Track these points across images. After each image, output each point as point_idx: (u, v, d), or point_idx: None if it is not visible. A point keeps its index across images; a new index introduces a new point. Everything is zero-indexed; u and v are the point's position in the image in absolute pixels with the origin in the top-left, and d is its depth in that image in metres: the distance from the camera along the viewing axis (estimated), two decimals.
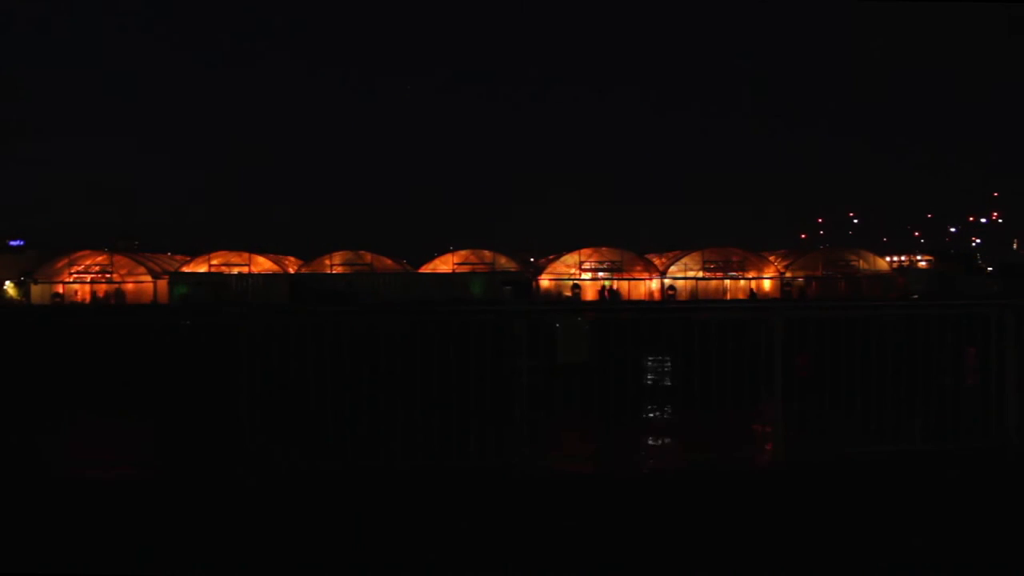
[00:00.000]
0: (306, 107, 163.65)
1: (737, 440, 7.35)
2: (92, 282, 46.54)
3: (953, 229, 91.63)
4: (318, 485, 6.50)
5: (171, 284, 46.49)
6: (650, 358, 7.92)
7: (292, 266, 50.96)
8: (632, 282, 48.09)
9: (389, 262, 50.43)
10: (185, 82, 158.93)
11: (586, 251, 49.21)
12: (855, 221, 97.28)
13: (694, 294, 47.42)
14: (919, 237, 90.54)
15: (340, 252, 50.20)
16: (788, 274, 49.19)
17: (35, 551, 5.10)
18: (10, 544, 5.21)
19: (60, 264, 47.38)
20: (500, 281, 46.92)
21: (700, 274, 48.45)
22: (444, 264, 51.04)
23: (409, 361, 7.03)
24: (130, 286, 46.81)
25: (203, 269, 48.62)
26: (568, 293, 47.28)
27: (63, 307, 39.88)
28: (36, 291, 45.96)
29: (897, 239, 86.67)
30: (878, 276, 48.97)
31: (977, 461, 7.06)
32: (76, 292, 45.94)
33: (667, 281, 48.13)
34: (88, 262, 47.41)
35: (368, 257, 49.92)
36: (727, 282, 48.24)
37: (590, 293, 46.98)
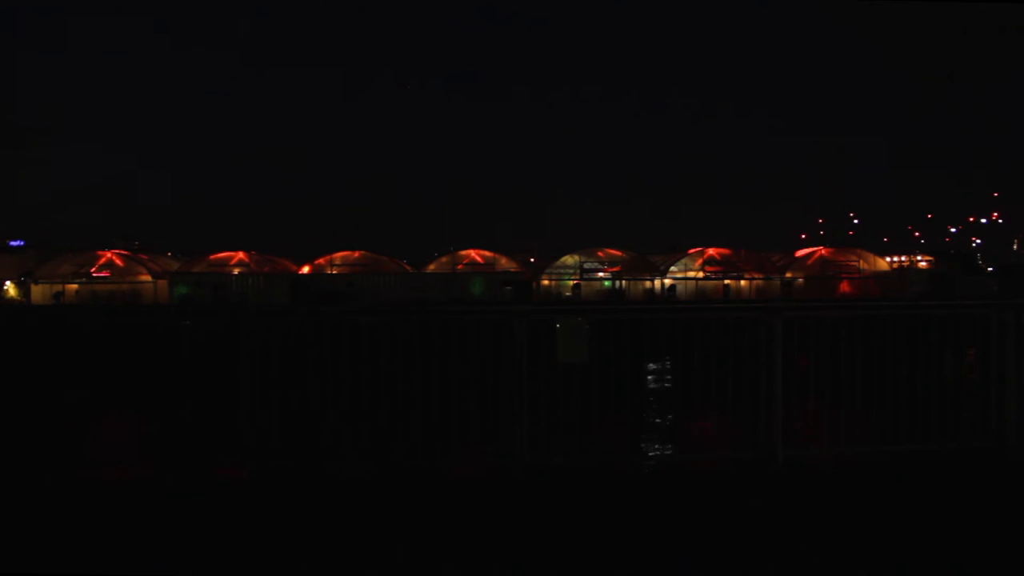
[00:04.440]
0: (307, 107, 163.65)
1: (737, 440, 7.35)
2: (92, 282, 46.54)
3: (953, 229, 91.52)
4: (317, 484, 6.51)
5: (171, 284, 46.51)
6: (650, 358, 7.92)
7: (292, 266, 50.96)
8: (632, 282, 48.10)
9: (390, 262, 50.44)
10: (186, 82, 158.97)
11: (586, 251, 49.24)
12: (855, 221, 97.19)
13: (694, 294, 47.43)
14: (919, 237, 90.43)
15: (341, 252, 50.23)
16: (788, 274, 49.20)
17: (36, 551, 5.11)
18: (11, 544, 5.21)
19: (60, 264, 47.38)
20: (500, 281, 46.94)
21: (700, 274, 48.46)
22: (444, 264, 51.06)
23: (409, 361, 7.04)
24: (130, 286, 46.81)
25: (203, 269, 48.62)
26: (568, 293, 47.30)
27: (68, 307, 39.90)
28: (36, 291, 45.97)
29: (897, 239, 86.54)
30: (878, 276, 48.98)
31: (977, 461, 7.07)
32: (76, 292, 45.96)
33: (667, 281, 48.14)
34: (88, 262, 47.42)
35: (369, 257, 49.93)
36: (727, 282, 48.24)
37: (590, 293, 46.99)
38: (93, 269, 47.15)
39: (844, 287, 47.85)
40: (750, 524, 5.60)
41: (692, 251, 49.94)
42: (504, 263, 50.90)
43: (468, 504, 6.07)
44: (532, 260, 56.20)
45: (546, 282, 48.24)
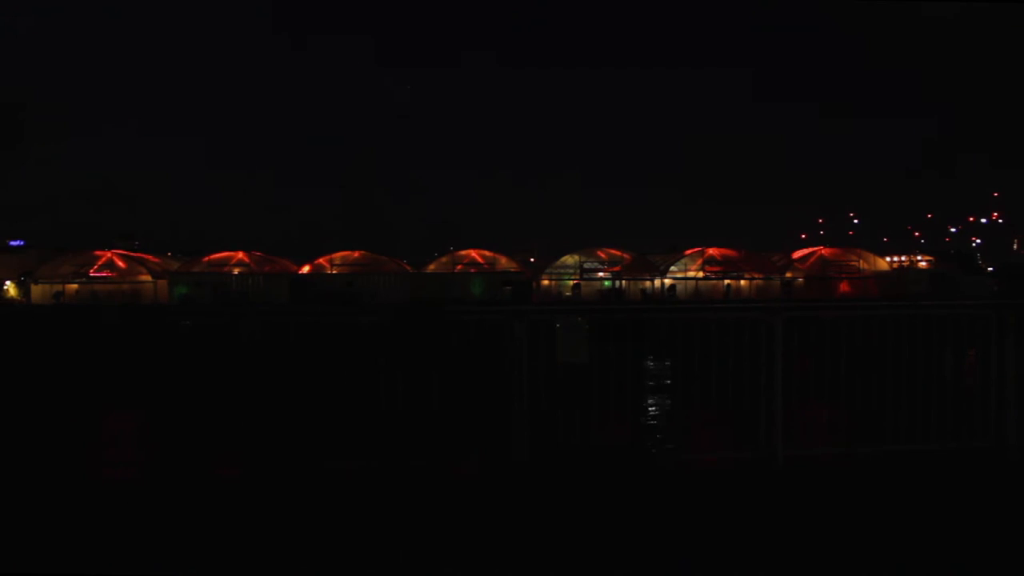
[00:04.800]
0: (305, 106, 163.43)
1: (737, 440, 7.36)
2: (92, 282, 46.54)
3: (953, 229, 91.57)
4: (318, 485, 6.51)
5: (171, 284, 46.51)
6: (650, 358, 7.94)
7: (292, 266, 50.96)
8: (632, 282, 48.08)
9: (390, 262, 50.45)
10: (184, 80, 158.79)
11: (586, 251, 49.25)
12: (855, 221, 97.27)
13: (694, 294, 47.42)
14: (919, 237, 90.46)
15: (341, 252, 50.23)
16: (788, 274, 49.19)
17: (36, 551, 5.11)
18: (11, 544, 5.21)
19: (60, 264, 47.39)
20: (500, 281, 46.91)
21: (700, 274, 48.45)
22: (444, 264, 51.08)
23: (409, 361, 7.04)
24: (130, 286, 46.82)
25: (203, 269, 48.63)
26: (568, 293, 47.30)
27: (72, 308, 39.85)
28: (36, 291, 45.96)
29: (897, 239, 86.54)
30: (878, 276, 48.98)
31: (977, 461, 7.07)
32: (76, 292, 45.97)
33: (667, 281, 48.14)
34: (88, 262, 47.43)
35: (369, 257, 49.93)
36: (727, 282, 48.22)
37: (590, 293, 46.99)
38: (93, 269, 47.16)
39: (844, 287, 47.83)
40: (750, 524, 5.60)
41: (692, 251, 49.91)
42: (504, 263, 50.91)
43: (468, 504, 6.08)
44: (532, 260, 56.20)
45: (546, 282, 48.23)
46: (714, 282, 48.19)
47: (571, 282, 47.91)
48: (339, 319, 7.37)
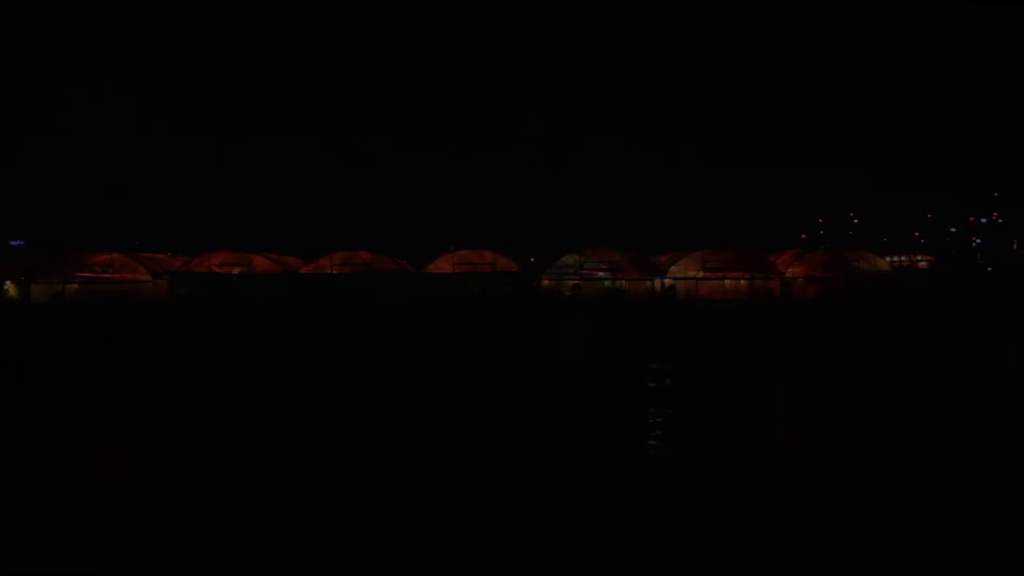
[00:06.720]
0: (303, 104, 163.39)
1: (736, 438, 7.37)
2: (92, 282, 46.57)
3: (953, 229, 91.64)
4: (323, 482, 6.53)
5: (171, 284, 46.55)
6: (651, 358, 7.95)
7: (292, 266, 51.00)
8: (632, 282, 48.13)
9: (389, 262, 50.49)
10: (183, 76, 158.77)
11: (586, 251, 49.28)
12: (855, 221, 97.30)
13: (694, 294, 47.47)
14: (919, 237, 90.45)
15: (340, 252, 50.26)
16: (788, 274, 49.24)
17: (36, 550, 5.12)
18: (10, 544, 5.22)
19: (60, 264, 47.42)
20: (500, 281, 46.97)
21: (700, 274, 48.49)
22: (444, 264, 51.14)
23: (412, 361, 7.06)
24: (130, 286, 46.84)
25: (203, 269, 48.65)
26: (568, 293, 47.36)
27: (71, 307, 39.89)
28: (36, 290, 46.01)
29: (897, 239, 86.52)
30: (878, 276, 49.00)
31: (977, 457, 7.09)
32: (76, 292, 46.00)
33: (667, 281, 48.18)
34: (88, 262, 47.45)
35: (368, 257, 49.98)
36: (727, 282, 48.24)
37: (590, 293, 47.02)
38: (93, 269, 47.17)
39: (844, 287, 47.85)
40: (751, 520, 5.61)
41: (692, 251, 49.94)
42: (504, 263, 50.98)
43: (469, 502, 6.09)
44: (532, 260, 56.23)
45: (546, 282, 48.28)
46: (714, 282, 48.23)
47: (571, 282, 47.94)
48: (341, 320, 7.36)
